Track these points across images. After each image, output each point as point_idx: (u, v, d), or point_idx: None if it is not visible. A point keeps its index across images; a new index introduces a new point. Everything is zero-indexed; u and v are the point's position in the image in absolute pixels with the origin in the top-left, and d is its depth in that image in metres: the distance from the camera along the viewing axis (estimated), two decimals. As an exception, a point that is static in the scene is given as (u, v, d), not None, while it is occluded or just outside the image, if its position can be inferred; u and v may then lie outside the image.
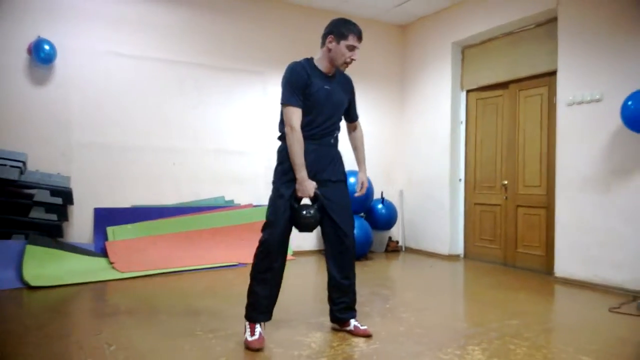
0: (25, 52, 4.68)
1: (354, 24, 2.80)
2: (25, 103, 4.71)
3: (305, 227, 2.75)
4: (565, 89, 4.68)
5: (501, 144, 5.68)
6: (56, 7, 4.83)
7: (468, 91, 6.12)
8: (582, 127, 4.54)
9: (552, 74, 4.93)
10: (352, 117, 3.12)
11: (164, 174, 5.38)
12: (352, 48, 2.76)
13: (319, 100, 2.77)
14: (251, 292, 2.77)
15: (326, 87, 2.81)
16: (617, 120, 4.15)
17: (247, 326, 2.73)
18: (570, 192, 4.62)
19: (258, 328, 2.70)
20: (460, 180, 6.17)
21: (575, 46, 4.61)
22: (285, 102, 2.74)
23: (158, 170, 5.34)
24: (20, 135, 4.66)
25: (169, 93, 5.41)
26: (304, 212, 2.71)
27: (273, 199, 2.79)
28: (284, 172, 2.78)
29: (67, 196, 4.59)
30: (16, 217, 4.35)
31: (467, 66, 6.11)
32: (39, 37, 4.67)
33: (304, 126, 2.74)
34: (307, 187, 2.71)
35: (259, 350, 2.61)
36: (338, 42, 2.75)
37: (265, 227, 2.75)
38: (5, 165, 4.26)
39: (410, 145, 6.75)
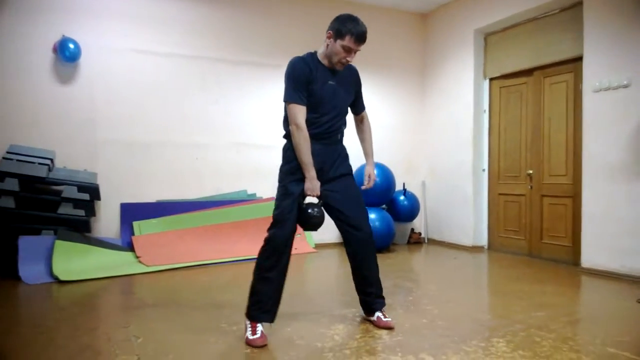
0: (50, 51, 4.78)
1: (358, 25, 2.62)
2: (52, 101, 4.82)
3: (313, 227, 2.71)
4: (592, 75, 4.57)
5: (526, 132, 5.58)
6: (79, 6, 4.91)
7: (491, 79, 6.01)
8: (609, 114, 4.43)
9: (578, 59, 4.81)
10: (358, 109, 3.02)
11: (187, 168, 5.45)
12: (347, 49, 2.62)
13: (324, 97, 2.69)
14: (255, 291, 2.69)
15: (330, 82, 2.72)
16: (646, 107, 4.04)
17: (249, 325, 2.65)
18: (598, 181, 4.52)
19: (260, 327, 2.65)
20: (483, 170, 6.08)
21: (602, 31, 4.48)
22: (289, 99, 2.64)
23: (181, 165, 5.42)
24: (48, 133, 4.77)
25: (190, 88, 5.47)
26: (310, 211, 2.68)
27: (280, 198, 2.73)
28: (292, 172, 2.72)
29: (94, 192, 4.68)
30: (45, 213, 4.46)
31: (489, 54, 6.00)
32: (63, 36, 4.76)
33: (309, 125, 2.65)
34: (316, 185, 2.69)
35: (263, 347, 2.57)
36: (335, 40, 2.63)
37: (272, 226, 2.71)
38: (34, 162, 4.37)
39: (433, 136, 6.68)
